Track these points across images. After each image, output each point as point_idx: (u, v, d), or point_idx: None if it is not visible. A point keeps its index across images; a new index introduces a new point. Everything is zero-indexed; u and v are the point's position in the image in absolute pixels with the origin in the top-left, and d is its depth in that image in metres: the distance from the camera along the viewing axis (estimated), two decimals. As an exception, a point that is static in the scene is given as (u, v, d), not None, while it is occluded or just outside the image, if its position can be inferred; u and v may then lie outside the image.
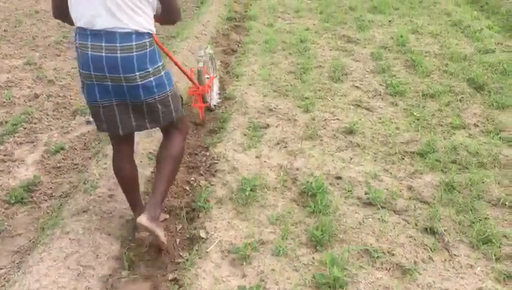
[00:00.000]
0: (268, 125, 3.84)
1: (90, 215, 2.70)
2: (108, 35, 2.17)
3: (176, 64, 3.16)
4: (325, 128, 3.76)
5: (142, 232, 2.60)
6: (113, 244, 2.61)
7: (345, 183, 3.04)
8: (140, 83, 2.24)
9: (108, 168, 3.16)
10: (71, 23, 2.31)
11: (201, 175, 3.28)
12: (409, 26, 6.14)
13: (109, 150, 3.37)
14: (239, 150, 3.49)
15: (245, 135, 3.72)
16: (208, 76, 4.09)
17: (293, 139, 3.62)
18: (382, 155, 3.36)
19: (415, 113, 3.91)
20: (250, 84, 4.67)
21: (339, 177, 3.10)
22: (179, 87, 2.99)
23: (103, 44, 2.17)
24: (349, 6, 7.16)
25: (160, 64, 2.34)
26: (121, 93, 2.27)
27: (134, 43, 2.20)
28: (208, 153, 3.50)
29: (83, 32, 2.20)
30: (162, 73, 2.35)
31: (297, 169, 3.20)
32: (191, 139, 3.76)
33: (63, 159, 3.57)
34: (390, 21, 6.41)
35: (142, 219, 2.34)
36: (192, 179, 3.24)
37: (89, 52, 2.19)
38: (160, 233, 2.42)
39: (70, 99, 4.46)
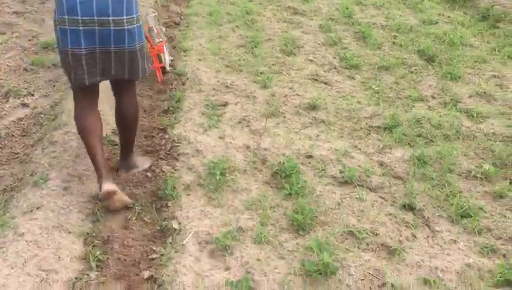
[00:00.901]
0: (226, 103, 3.64)
1: (45, 212, 2.40)
2: None
3: None
4: (286, 104, 3.63)
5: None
6: (75, 243, 2.35)
7: (317, 162, 2.94)
8: (126, 27, 2.32)
9: (58, 156, 2.84)
10: None
11: (163, 159, 3.04)
12: (353, -2, 6.11)
13: (55, 136, 3.05)
14: (200, 130, 3.28)
15: (203, 114, 3.50)
16: (160, 39, 3.99)
17: (255, 117, 3.46)
18: (348, 131, 3.30)
19: (373, 87, 3.88)
20: (200, 60, 4.42)
21: (310, 156, 2.99)
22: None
23: None
24: (290, -24, 6.99)
25: (139, 13, 2.43)
26: (106, 40, 2.31)
27: None
28: (166, 136, 3.25)
29: None
30: (141, 22, 2.46)
31: (265, 149, 3.05)
32: (145, 121, 3.48)
33: (0, 148, 3.17)
34: (333, -8, 6.33)
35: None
36: (154, 164, 3.00)
37: None
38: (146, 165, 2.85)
39: (0, 79, 3.98)
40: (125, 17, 2.32)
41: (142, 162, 2.95)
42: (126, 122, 2.71)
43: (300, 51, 4.59)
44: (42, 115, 3.51)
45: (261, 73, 4.13)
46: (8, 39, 4.76)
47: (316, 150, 3.05)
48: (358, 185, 2.75)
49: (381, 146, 3.10)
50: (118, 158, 2.93)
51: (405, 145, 3.12)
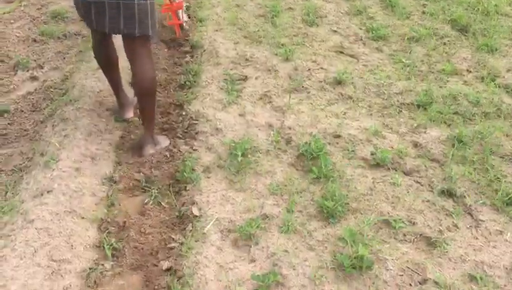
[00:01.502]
0: (246, 77, 3.42)
1: (56, 196, 2.24)
2: None
3: None
4: (310, 79, 3.40)
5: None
6: (88, 229, 2.19)
7: (345, 142, 2.73)
8: None
9: (69, 135, 2.66)
10: None
11: (180, 138, 2.85)
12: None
13: (66, 112, 2.87)
14: (219, 107, 3.07)
15: (222, 89, 3.29)
16: None
17: (277, 92, 3.24)
18: (378, 108, 3.07)
19: (403, 60, 3.62)
20: (216, 30, 4.17)
21: (338, 136, 2.78)
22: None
23: None
24: None
25: None
26: None
27: None
28: (183, 112, 3.05)
29: None
30: None
31: (289, 128, 2.84)
32: (160, 96, 3.28)
33: (8, 124, 3.00)
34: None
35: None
36: (171, 143, 2.81)
37: None
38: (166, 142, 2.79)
39: (8, 50, 3.78)
40: None
41: (162, 140, 2.85)
42: (138, 91, 2.70)
43: (323, 21, 4.31)
44: (52, 89, 3.32)
45: (282, 45, 3.87)
46: (16, 8, 4.54)
47: (343, 129, 2.83)
48: (391, 168, 2.54)
49: (415, 125, 2.87)
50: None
51: (441, 124, 2.88)
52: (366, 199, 2.33)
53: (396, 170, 2.53)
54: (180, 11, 4.02)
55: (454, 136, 2.72)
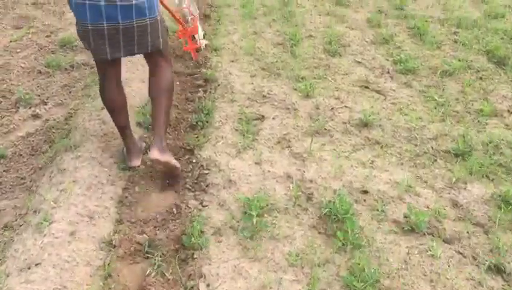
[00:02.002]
0: (263, 117, 3.14)
1: (45, 270, 1.96)
2: None
3: (165, 7, 3.16)
4: (333, 119, 3.10)
5: (158, 166, 2.53)
6: (81, 308, 1.91)
7: (374, 199, 2.42)
8: (134, 2, 2.23)
9: (66, 189, 2.40)
10: None
11: (189, 190, 2.57)
12: (403, -15, 5.45)
13: (65, 161, 2.61)
14: (232, 153, 2.79)
15: (236, 130, 3.01)
16: (192, 16, 3.93)
17: (297, 135, 2.95)
18: (409, 156, 2.75)
19: (435, 98, 3.30)
20: (232, 61, 3.91)
21: (365, 192, 2.47)
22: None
23: None
24: (331, -39, 6.34)
25: None
26: (113, 15, 2.23)
27: None
28: (193, 159, 2.78)
29: None
30: None
31: (310, 181, 2.54)
32: (170, 138, 3.01)
33: (4, 171, 2.76)
34: (380, -21, 5.67)
35: (155, 154, 2.40)
36: (179, 198, 2.53)
37: None
38: (174, 161, 2.51)
39: (11, 84, 3.57)
40: None
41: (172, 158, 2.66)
42: (158, 91, 2.57)
43: (346, 51, 4.02)
44: (54, 130, 3.08)
45: (302, 78, 3.60)
46: (24, 35, 4.35)
47: (372, 182, 2.52)
48: (428, 233, 2.22)
49: (453, 179, 2.54)
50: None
51: (483, 179, 2.55)
52: (400, 274, 2.01)
53: (433, 236, 2.20)
54: (196, 35, 3.93)
55: (500, 195, 2.39)
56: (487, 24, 4.33)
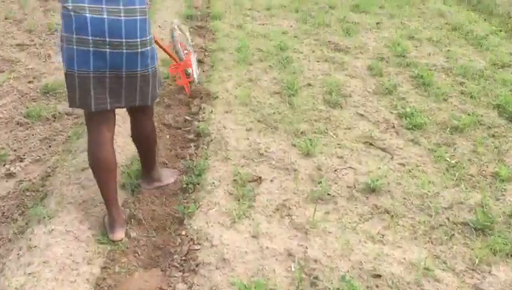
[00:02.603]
0: (260, 179, 2.86)
1: None
2: None
3: (157, 43, 3.10)
4: (336, 183, 2.83)
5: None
6: None
7: (388, 285, 2.12)
8: (139, 50, 2.15)
9: (34, 272, 2.08)
10: None
11: (177, 269, 2.26)
12: (402, 30, 5.30)
13: (36, 236, 2.30)
14: (226, 223, 2.50)
15: (231, 194, 2.73)
16: (186, 50, 3.91)
17: (298, 202, 2.67)
18: (424, 229, 2.47)
19: (446, 158, 3.05)
20: (227, 112, 3.66)
21: (377, 275, 2.17)
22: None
23: (104, 6, 2.05)
24: (328, 3, 6.22)
25: (152, 35, 2.27)
26: (118, 63, 2.13)
27: (138, 7, 2.12)
28: (183, 231, 2.48)
29: None
30: (153, 45, 2.28)
31: (314, 260, 2.25)
32: (157, 203, 2.72)
33: (-33, 244, 2.44)
34: (378, 23, 5.53)
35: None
36: (165, 280, 2.22)
37: (88, 15, 2.03)
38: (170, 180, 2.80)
39: (-17, 137, 3.29)
40: (139, 40, 2.14)
41: (167, 176, 2.87)
42: (142, 144, 2.64)
43: (347, 102, 3.79)
44: (28, 193, 2.78)
45: (301, 133, 3.35)
46: (5, 80, 4.09)
47: (384, 263, 2.23)
48: (452, 330, 1.92)
49: (476, 260, 2.26)
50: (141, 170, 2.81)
51: (508, 260, 2.27)
52: None
53: (459, 335, 1.91)
54: (189, 69, 3.87)
55: (530, 282, 2.11)
56: (494, 74, 4.14)
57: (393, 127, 3.44)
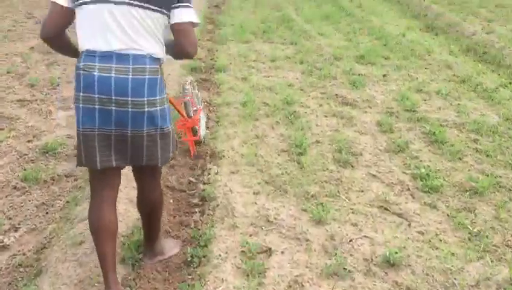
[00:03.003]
0: (270, 250, 2.67)
1: None
2: (120, 56, 2.05)
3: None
4: (352, 255, 2.64)
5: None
6: None
7: None
8: (146, 110, 2.09)
9: None
10: (59, 45, 2.27)
11: None
12: (409, 82, 5.22)
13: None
14: (234, 304, 2.30)
15: (239, 268, 2.54)
16: (195, 108, 3.85)
17: (312, 278, 2.47)
18: (450, 311, 2.27)
19: (467, 225, 2.87)
20: (233, 172, 3.51)
21: None
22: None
23: (113, 65, 2.04)
24: (333, 55, 6.18)
25: (165, 95, 2.20)
26: (123, 122, 2.08)
27: (148, 66, 2.08)
28: (187, 315, 2.28)
29: (90, 54, 2.06)
30: (166, 105, 2.20)
31: None
32: (159, 279, 2.52)
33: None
34: (385, 75, 5.46)
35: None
36: None
37: (96, 74, 2.03)
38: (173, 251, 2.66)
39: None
40: (145, 99, 2.07)
41: (170, 247, 2.71)
42: (148, 210, 2.49)
43: (358, 161, 3.64)
44: (22, 269, 2.59)
45: (311, 196, 3.18)
46: (4, 140, 3.97)
47: None
48: None
49: None
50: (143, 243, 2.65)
51: None
52: None
53: None
54: (197, 127, 3.79)
55: None
56: (509, 130, 4.01)
57: (408, 189, 3.28)
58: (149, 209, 2.47)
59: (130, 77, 2.04)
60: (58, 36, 2.19)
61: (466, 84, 5.09)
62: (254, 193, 3.24)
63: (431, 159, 3.64)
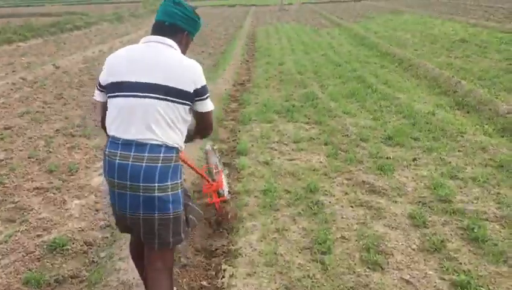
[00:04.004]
0: None
1: None
2: (139, 145, 2.24)
3: (194, 169, 3.37)
4: None
5: None
6: None
7: None
8: (157, 194, 2.25)
9: None
10: None
11: None
12: (442, 167, 4.88)
13: None
14: None
15: None
16: (217, 170, 4.09)
17: None
18: None
19: None
20: (249, 274, 3.21)
21: None
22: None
23: (132, 153, 2.23)
24: (359, 136, 5.95)
25: (180, 181, 2.35)
26: (136, 206, 2.27)
27: (161, 155, 2.26)
28: None
29: (115, 140, 2.27)
30: (179, 190, 2.34)
31: None
32: None
33: None
34: (415, 159, 5.16)
35: None
36: None
37: (117, 161, 2.25)
38: None
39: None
40: (156, 185, 2.24)
41: None
42: None
43: (388, 263, 3.28)
44: None
45: (337, 307, 2.82)
46: (13, 234, 3.81)
47: None
48: None
49: None
50: None
51: None
52: None
53: None
54: (221, 189, 3.97)
55: None
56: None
57: (448, 300, 2.88)
58: None
59: (144, 164, 2.22)
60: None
61: (505, 170, 4.71)
62: (272, 302, 2.91)
63: (471, 261, 3.25)
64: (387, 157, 5.21)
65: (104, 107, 2.40)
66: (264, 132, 6.30)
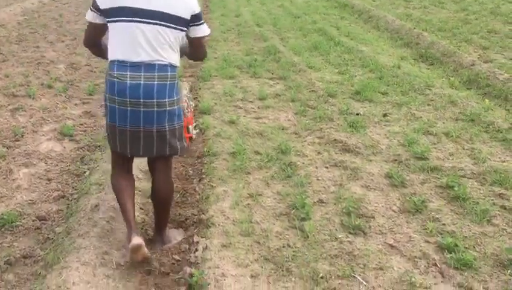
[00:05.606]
0: None
1: None
2: (148, 66, 2.55)
3: None
4: None
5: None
6: None
7: None
8: (168, 109, 2.62)
9: None
10: (96, 52, 2.91)
11: None
12: (414, 123, 4.75)
13: None
14: None
15: None
16: (189, 107, 3.87)
17: None
18: None
19: (516, 317, 2.35)
20: (224, 246, 2.96)
21: None
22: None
23: (142, 73, 2.54)
24: (326, 91, 5.71)
25: (180, 96, 2.75)
26: (150, 120, 2.60)
27: (169, 74, 2.61)
28: None
29: (123, 64, 2.55)
30: (175, 106, 2.69)
31: None
32: None
33: None
34: (385, 115, 4.99)
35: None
36: None
37: (128, 82, 2.53)
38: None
39: None
40: (167, 100, 2.60)
41: (175, 235, 3.11)
42: (159, 200, 2.91)
43: (370, 227, 3.12)
44: None
45: (321, 278, 2.65)
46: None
47: None
48: None
49: None
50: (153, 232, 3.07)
51: None
52: None
53: None
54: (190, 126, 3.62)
55: None
56: (535, 181, 3.54)
57: (435, 265, 2.76)
58: (159, 199, 2.91)
59: (156, 82, 2.55)
60: (94, 45, 2.87)
61: (476, 124, 4.63)
62: (252, 276, 2.69)
63: (454, 221, 3.14)
64: (357, 114, 5.01)
65: (96, 28, 2.68)
66: (227, 89, 5.94)
